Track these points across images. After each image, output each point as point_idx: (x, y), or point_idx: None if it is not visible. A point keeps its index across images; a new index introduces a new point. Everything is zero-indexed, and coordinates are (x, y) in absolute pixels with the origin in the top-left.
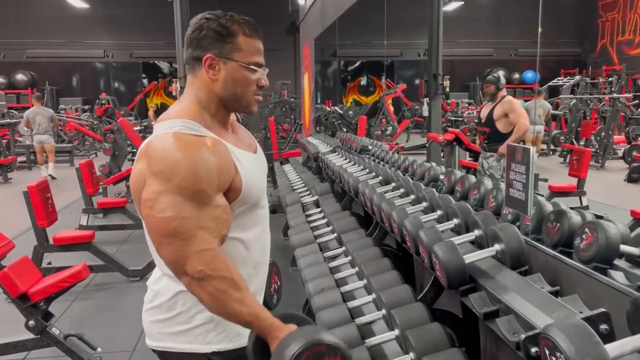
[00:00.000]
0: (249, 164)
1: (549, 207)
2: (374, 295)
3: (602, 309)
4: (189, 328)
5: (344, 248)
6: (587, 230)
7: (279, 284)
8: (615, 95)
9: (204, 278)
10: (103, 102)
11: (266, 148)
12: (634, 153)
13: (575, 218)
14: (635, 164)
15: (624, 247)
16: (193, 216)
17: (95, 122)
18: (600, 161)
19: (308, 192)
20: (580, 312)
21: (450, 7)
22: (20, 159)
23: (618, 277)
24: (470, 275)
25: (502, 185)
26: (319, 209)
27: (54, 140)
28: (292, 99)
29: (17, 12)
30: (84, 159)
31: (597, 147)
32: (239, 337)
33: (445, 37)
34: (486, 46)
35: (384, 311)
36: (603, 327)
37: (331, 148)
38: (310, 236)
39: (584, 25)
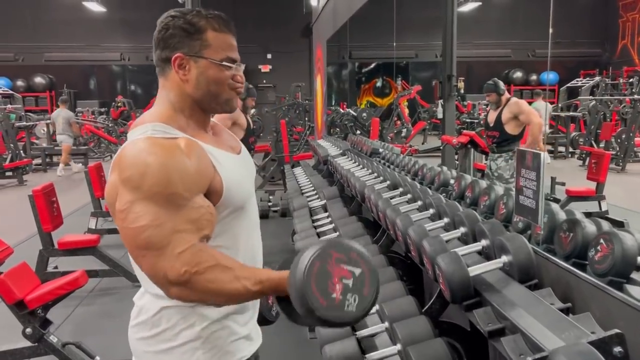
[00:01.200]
0: (230, 165)
1: (562, 215)
2: (377, 307)
3: (616, 330)
4: (174, 346)
5: None
6: (602, 241)
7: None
8: (636, 96)
9: (190, 279)
10: (119, 104)
11: (278, 151)
12: None
13: (590, 227)
14: None
15: None
16: (167, 222)
17: (110, 125)
18: (621, 164)
19: (317, 196)
20: (593, 333)
21: (467, 7)
22: (35, 161)
23: (635, 293)
24: (475, 289)
25: (513, 191)
26: (326, 214)
27: (74, 142)
28: (306, 101)
29: (35, 16)
30: (99, 161)
31: (617, 149)
32: (229, 356)
33: (462, 39)
34: (503, 47)
35: (386, 324)
36: (617, 349)
37: (341, 151)
38: (316, 241)
39: (604, 26)
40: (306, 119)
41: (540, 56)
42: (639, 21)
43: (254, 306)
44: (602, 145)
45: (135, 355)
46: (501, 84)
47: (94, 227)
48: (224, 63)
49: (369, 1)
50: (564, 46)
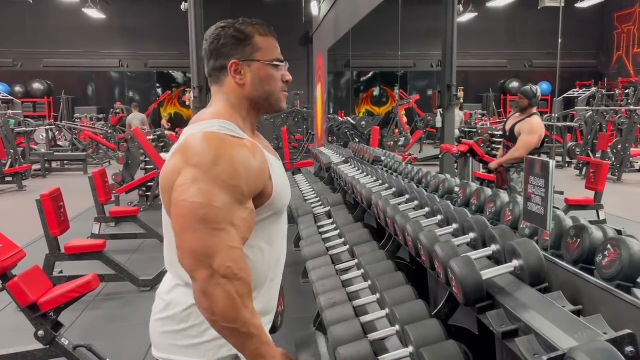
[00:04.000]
0: (279, 170)
1: (568, 222)
2: (387, 310)
3: (628, 331)
4: (201, 342)
5: (356, 261)
6: (609, 246)
7: (283, 307)
8: (632, 107)
9: (229, 277)
10: (117, 111)
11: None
12: None
13: (597, 234)
14: None
15: None
16: (226, 209)
17: (109, 131)
18: (617, 174)
19: (320, 202)
20: (605, 334)
21: (464, 18)
22: (35, 167)
23: None
24: (487, 292)
25: (519, 199)
26: (331, 220)
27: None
28: (305, 109)
29: (34, 22)
30: (98, 168)
31: (613, 159)
32: None
33: (459, 48)
34: (500, 57)
35: (397, 327)
36: (629, 349)
37: (343, 159)
38: (322, 248)
39: (600, 37)
40: (304, 126)
41: (537, 66)
42: (634, 33)
43: (273, 310)
44: (598, 155)
45: (157, 348)
46: (539, 95)
47: (97, 233)
48: (275, 63)
49: (371, 11)
50: (560, 57)
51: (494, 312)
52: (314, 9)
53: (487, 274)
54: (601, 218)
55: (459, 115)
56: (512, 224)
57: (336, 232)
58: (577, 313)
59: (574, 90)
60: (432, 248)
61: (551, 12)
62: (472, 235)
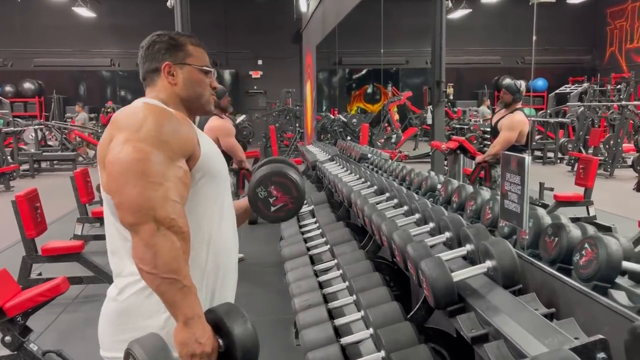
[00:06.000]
0: (210, 145)
1: (547, 219)
2: (362, 313)
3: (600, 336)
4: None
5: (336, 261)
6: (587, 245)
7: None
8: (624, 102)
9: (173, 228)
10: (108, 110)
11: (267, 156)
12: None
13: (575, 232)
14: None
15: (626, 264)
16: (162, 164)
17: (100, 131)
18: (609, 170)
19: (305, 201)
20: (576, 339)
21: (457, 14)
22: (23, 167)
23: (620, 298)
24: (459, 294)
25: (499, 196)
26: (314, 219)
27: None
28: (297, 107)
29: (24, 21)
30: (87, 167)
31: (605, 155)
32: None
33: (452, 45)
34: (493, 54)
35: (371, 330)
36: (600, 355)
37: (329, 156)
38: (302, 248)
39: (592, 33)
40: (296, 124)
41: (529, 63)
42: (626, 29)
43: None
44: (590, 151)
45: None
46: (523, 90)
47: (79, 234)
48: (205, 68)
49: (358, 8)
50: (553, 53)
51: (465, 315)
52: (303, 5)
53: (459, 275)
54: (591, 214)
55: (483, 111)
56: (491, 222)
57: (318, 232)
58: (550, 316)
59: (566, 86)
60: (404, 248)
61: (545, 8)
62: (447, 234)
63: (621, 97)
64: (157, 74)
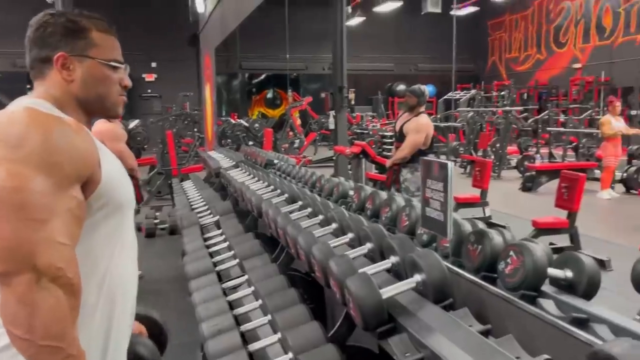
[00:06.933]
0: (114, 163)
1: (467, 226)
2: (279, 335)
3: (546, 356)
4: None
5: (246, 277)
6: (512, 253)
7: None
8: (507, 108)
9: (60, 281)
10: None
11: (164, 163)
12: (526, 163)
13: (498, 239)
14: (527, 174)
15: (549, 270)
16: (47, 194)
17: None
18: (497, 171)
19: (209, 211)
20: (518, 358)
21: (352, 22)
22: None
23: (548, 306)
24: (389, 313)
25: (415, 202)
26: (219, 231)
27: None
28: (195, 112)
29: None
30: None
31: (493, 157)
32: None
33: (350, 52)
34: (387, 61)
35: (291, 355)
36: None
37: (234, 163)
38: (208, 264)
39: (476, 43)
40: (195, 130)
41: (422, 70)
42: (505, 40)
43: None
44: (480, 153)
45: None
46: (427, 95)
47: None
48: (113, 63)
49: (259, 13)
50: (441, 61)
51: (397, 337)
52: (199, 6)
53: (388, 292)
54: (487, 214)
55: None
56: (409, 229)
57: (225, 245)
58: (486, 333)
59: (454, 92)
60: (326, 263)
61: (435, 18)
62: (369, 245)
63: (505, 103)
64: (48, 65)
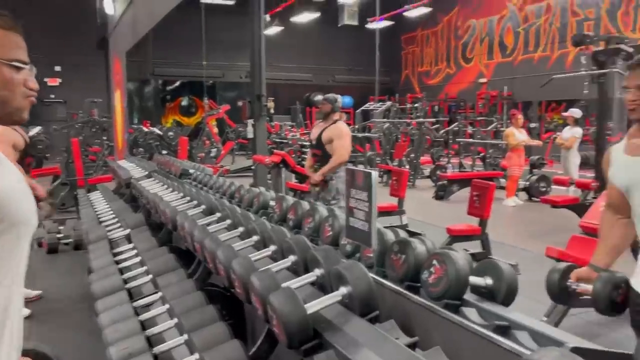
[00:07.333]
0: (9, 176)
1: (390, 235)
2: (197, 356)
3: None
4: None
5: (160, 294)
6: (435, 262)
7: None
8: (421, 119)
9: None
10: None
11: (70, 173)
12: (438, 172)
13: (421, 248)
14: (440, 183)
15: (471, 279)
16: None
17: None
18: (412, 180)
19: (119, 224)
20: None
21: (271, 31)
22: None
23: (471, 315)
24: (314, 329)
25: (337, 211)
26: (131, 245)
27: None
28: (104, 119)
29: None
30: None
31: (408, 167)
32: None
33: (268, 61)
34: (305, 71)
35: None
36: None
37: (146, 173)
38: (117, 281)
39: (391, 56)
40: (104, 138)
41: (339, 81)
42: (417, 54)
43: None
44: (395, 163)
45: None
46: (340, 101)
47: None
48: (15, 64)
49: (173, 19)
50: (358, 73)
51: (323, 354)
52: (108, 7)
53: (313, 306)
54: (404, 223)
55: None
56: (332, 240)
57: (137, 260)
58: (413, 346)
59: (369, 103)
60: (247, 278)
61: (352, 30)
62: (292, 258)
63: (418, 114)
64: None
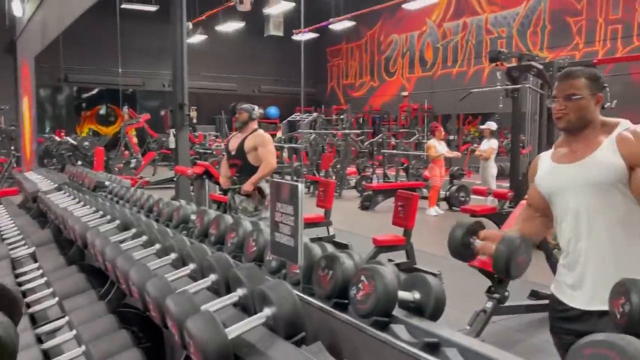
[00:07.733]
0: None
1: (317, 250)
2: None
3: None
4: None
5: (67, 318)
6: (363, 278)
7: None
8: (346, 131)
9: None
10: None
11: None
12: (364, 183)
13: (349, 263)
14: (365, 193)
15: (399, 294)
16: None
17: None
18: (338, 191)
19: (23, 242)
20: None
21: (194, 39)
22: None
23: (401, 333)
24: (235, 355)
25: (262, 226)
26: (36, 265)
27: None
28: (12, 127)
29: None
30: None
31: (334, 178)
32: None
33: (191, 70)
34: (230, 81)
35: None
36: None
37: (56, 185)
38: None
39: (316, 68)
40: (12, 147)
41: (265, 92)
42: (342, 66)
43: None
44: (322, 174)
45: None
46: (257, 111)
47: None
48: None
49: (87, 22)
50: (285, 84)
51: None
52: (17, 9)
53: (235, 330)
54: (331, 234)
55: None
56: (257, 255)
57: (42, 281)
58: None
59: (296, 114)
60: (162, 301)
61: (278, 41)
62: (213, 277)
63: (344, 126)
64: None
